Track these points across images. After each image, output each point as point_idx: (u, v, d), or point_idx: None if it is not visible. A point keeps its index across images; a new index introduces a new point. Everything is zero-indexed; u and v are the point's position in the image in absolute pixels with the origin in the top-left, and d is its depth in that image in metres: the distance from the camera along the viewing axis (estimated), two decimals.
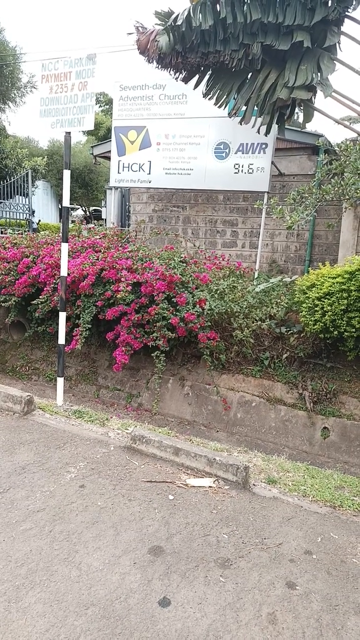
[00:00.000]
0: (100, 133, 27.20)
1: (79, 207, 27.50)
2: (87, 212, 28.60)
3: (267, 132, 6.36)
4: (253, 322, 5.66)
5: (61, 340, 4.67)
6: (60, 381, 4.66)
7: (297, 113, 8.25)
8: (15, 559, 2.33)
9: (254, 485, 3.22)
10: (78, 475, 3.15)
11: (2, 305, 7.40)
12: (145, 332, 6.10)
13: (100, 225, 10.26)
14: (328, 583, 2.32)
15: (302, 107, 5.59)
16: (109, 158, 9.50)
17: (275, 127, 6.13)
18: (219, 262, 7.13)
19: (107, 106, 30.28)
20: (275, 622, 2.05)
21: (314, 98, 5.46)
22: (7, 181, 14.45)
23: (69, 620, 1.99)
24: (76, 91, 4.29)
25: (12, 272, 7.28)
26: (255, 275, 7.46)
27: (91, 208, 29.36)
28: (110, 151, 9.20)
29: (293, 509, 2.96)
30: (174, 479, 3.20)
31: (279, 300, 5.75)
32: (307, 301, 5.16)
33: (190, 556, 2.43)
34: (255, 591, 2.22)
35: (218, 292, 6.00)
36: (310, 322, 5.12)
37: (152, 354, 5.95)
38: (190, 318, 5.66)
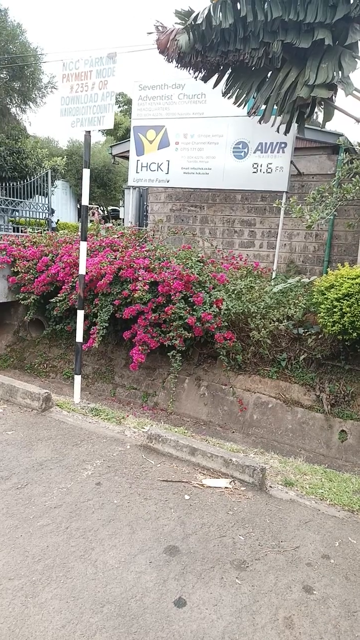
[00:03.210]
0: (119, 133, 27.35)
1: (97, 206, 27.68)
2: (105, 212, 28.77)
3: (287, 131, 6.28)
4: (270, 323, 5.61)
5: (79, 338, 4.70)
6: (77, 379, 4.70)
7: (316, 112, 8.16)
8: (32, 554, 2.35)
9: (270, 487, 3.19)
10: (94, 473, 3.17)
11: (22, 303, 7.50)
12: (161, 332, 6.11)
13: (118, 224, 10.30)
14: (346, 589, 2.28)
15: (322, 106, 5.52)
16: (127, 158, 9.54)
17: (294, 126, 6.05)
18: (237, 262, 7.10)
19: (126, 106, 30.45)
20: (292, 627, 2.02)
21: (335, 96, 5.38)
22: (27, 181, 14.61)
23: (84, 617, 1.99)
24: (96, 90, 4.31)
25: (31, 271, 7.38)
26: (273, 276, 7.40)
27: (109, 207, 29.53)
28: (128, 151, 9.22)
29: (310, 513, 2.92)
30: (190, 478, 3.19)
31: (296, 301, 5.69)
32: (325, 302, 5.10)
33: (206, 557, 2.42)
34: (271, 594, 2.20)
35: (235, 292, 5.97)
36: (328, 324, 5.06)
37: (169, 354, 5.95)
38: (207, 318, 5.64)
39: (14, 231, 14.18)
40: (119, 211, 27.54)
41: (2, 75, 16.44)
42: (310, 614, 2.10)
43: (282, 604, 2.15)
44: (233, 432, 5.75)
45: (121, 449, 3.57)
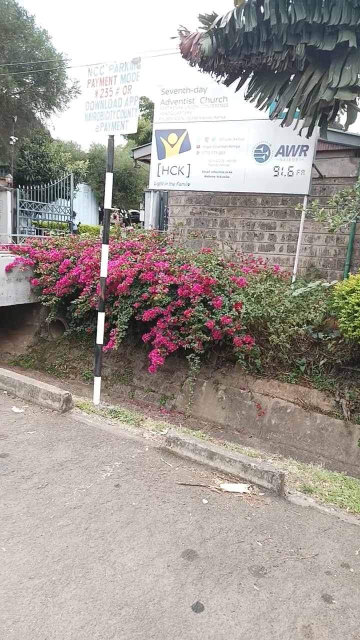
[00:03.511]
0: (140, 137, 27.53)
1: (118, 209, 27.94)
2: (126, 215, 28.99)
3: (309, 134, 6.25)
4: (290, 327, 5.57)
5: (99, 340, 4.74)
6: (97, 380, 4.74)
7: (339, 115, 8.08)
8: (52, 554, 2.38)
9: (289, 493, 3.17)
10: (113, 475, 3.19)
11: (43, 304, 7.61)
12: (180, 335, 6.11)
13: (139, 227, 10.37)
14: None
15: (345, 108, 5.47)
16: (148, 161, 9.60)
17: (317, 129, 6.02)
18: (256, 266, 7.07)
19: (147, 110, 30.63)
20: (311, 636, 2.00)
21: (358, 99, 5.33)
22: (50, 184, 14.83)
23: (103, 619, 2.01)
24: (120, 95, 4.36)
25: (53, 273, 7.48)
26: (293, 280, 7.34)
27: (129, 211, 29.75)
28: (150, 154, 9.28)
29: (329, 520, 2.89)
30: (208, 483, 3.19)
31: (317, 305, 5.63)
32: (346, 307, 5.04)
33: (224, 562, 2.42)
34: (290, 602, 2.18)
35: (255, 295, 5.94)
36: (349, 328, 4.99)
37: (187, 357, 5.96)
38: (226, 321, 5.63)
39: (36, 234, 14.42)
40: (139, 214, 27.71)
41: (27, 81, 16.75)
42: (330, 624, 2.07)
43: (300, 612, 2.13)
44: (251, 436, 5.71)
45: (140, 451, 3.59)
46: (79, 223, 19.44)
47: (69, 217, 15.38)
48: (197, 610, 2.10)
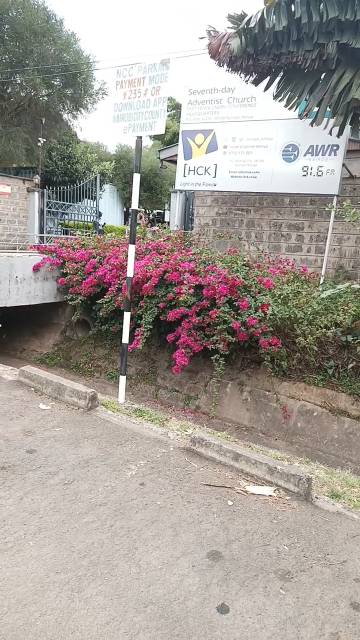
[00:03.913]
0: (167, 137, 27.64)
1: (144, 210, 28.13)
2: (151, 215, 29.16)
3: (340, 134, 6.14)
4: (317, 329, 5.49)
5: (125, 339, 4.77)
6: (122, 379, 4.77)
7: None
8: (78, 550, 2.40)
9: (316, 498, 3.11)
10: (138, 473, 3.20)
11: (69, 303, 7.72)
12: (205, 335, 6.10)
13: (164, 227, 10.41)
14: None
15: None
16: (174, 162, 9.62)
17: (348, 128, 5.92)
18: (283, 267, 7.00)
19: (174, 111, 30.70)
20: None
21: None
22: (77, 185, 15.02)
23: (128, 616, 2.02)
24: (149, 96, 4.38)
25: (79, 272, 7.58)
26: (321, 281, 7.23)
27: (155, 211, 29.90)
28: (176, 155, 9.31)
29: (358, 526, 2.82)
30: (233, 484, 3.17)
31: (346, 308, 5.53)
32: None
33: (249, 564, 2.39)
34: (317, 608, 2.14)
35: (282, 297, 5.88)
36: None
37: (212, 357, 5.94)
38: (251, 322, 5.59)
39: (63, 234, 14.64)
40: (163, 214, 27.82)
41: (55, 83, 17.03)
42: (359, 632, 2.02)
43: (328, 619, 2.09)
44: (276, 439, 5.65)
45: (164, 450, 3.59)
46: (104, 223, 19.64)
47: (94, 217, 15.55)
48: (222, 611, 2.08)
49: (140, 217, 17.22)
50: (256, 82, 5.97)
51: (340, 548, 2.60)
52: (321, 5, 4.80)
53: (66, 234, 14.33)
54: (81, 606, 2.05)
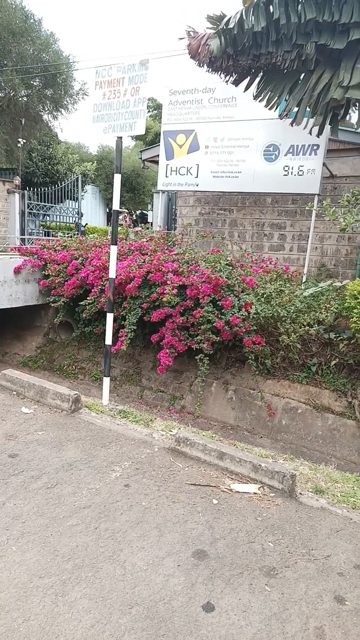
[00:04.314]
0: (148, 138, 27.59)
1: (127, 210, 28.05)
2: (134, 216, 29.09)
3: (319, 134, 6.19)
4: (300, 327, 5.53)
5: (108, 341, 4.75)
6: (106, 381, 4.74)
7: (350, 113, 8.02)
8: (62, 553, 2.38)
9: (300, 494, 3.14)
10: (123, 475, 3.18)
11: (52, 305, 7.64)
12: (189, 335, 6.10)
13: (147, 228, 10.38)
14: None
15: (356, 107, 5.43)
16: (156, 162, 9.60)
17: (327, 128, 5.97)
18: (266, 266, 7.04)
19: (155, 111, 30.69)
20: (324, 638, 1.97)
21: None
22: (58, 186, 14.90)
23: (113, 618, 2.00)
24: (128, 96, 4.37)
25: (61, 274, 7.51)
26: (304, 279, 7.29)
27: (137, 211, 29.82)
28: (158, 155, 9.29)
29: (342, 521, 2.86)
30: (218, 483, 3.17)
31: (328, 305, 5.58)
32: (358, 307, 4.99)
33: (234, 562, 2.39)
34: (302, 603, 2.16)
35: (265, 295, 5.91)
36: None
37: (196, 357, 5.94)
38: (235, 322, 5.61)
39: (44, 235, 14.49)
40: (147, 215, 27.76)
41: (35, 83, 16.86)
42: (342, 625, 2.04)
43: (312, 613, 2.10)
44: (261, 437, 5.68)
45: (149, 451, 3.58)
46: (86, 224, 19.51)
47: (77, 218, 15.43)
48: (207, 610, 2.08)
49: (125, 218, 17.14)
50: (236, 83, 5.98)
51: (325, 543, 2.62)
52: (299, 6, 4.83)
53: (48, 236, 14.19)
54: (65, 610, 2.03)
